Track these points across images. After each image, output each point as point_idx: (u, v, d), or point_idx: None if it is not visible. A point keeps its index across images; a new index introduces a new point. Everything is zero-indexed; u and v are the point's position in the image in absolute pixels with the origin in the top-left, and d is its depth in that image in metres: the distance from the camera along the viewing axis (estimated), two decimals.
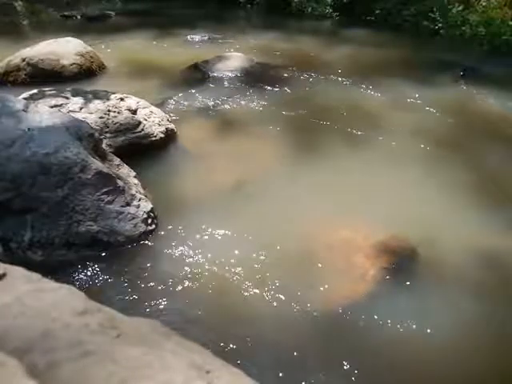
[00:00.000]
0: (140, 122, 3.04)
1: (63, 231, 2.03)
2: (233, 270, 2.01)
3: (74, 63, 4.41)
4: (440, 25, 6.78)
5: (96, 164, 2.20)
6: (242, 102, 3.96)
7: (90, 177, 2.13)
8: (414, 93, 4.34)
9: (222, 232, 2.25)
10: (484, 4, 6.52)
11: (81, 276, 1.95)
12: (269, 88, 4.29)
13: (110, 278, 1.95)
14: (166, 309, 1.80)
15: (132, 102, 3.20)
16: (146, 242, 2.16)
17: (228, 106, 3.89)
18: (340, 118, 3.72)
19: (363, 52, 5.87)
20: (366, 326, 1.77)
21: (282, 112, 3.80)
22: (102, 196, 2.14)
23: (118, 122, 2.93)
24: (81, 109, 2.91)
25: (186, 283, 1.94)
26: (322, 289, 1.93)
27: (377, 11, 7.62)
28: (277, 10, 8.63)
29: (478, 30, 6.33)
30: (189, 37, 6.37)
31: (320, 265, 2.06)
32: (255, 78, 4.53)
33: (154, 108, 3.32)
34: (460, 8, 6.66)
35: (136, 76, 4.55)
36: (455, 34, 6.60)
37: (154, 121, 3.14)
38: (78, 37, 4.94)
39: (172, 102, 3.89)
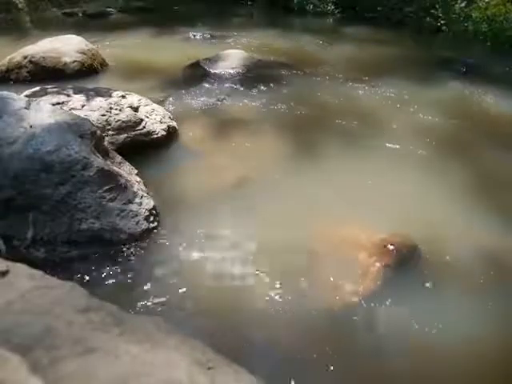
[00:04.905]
0: (142, 120, 3.04)
1: (65, 229, 2.04)
2: (234, 267, 2.01)
3: (76, 61, 4.40)
4: (442, 21, 6.75)
5: (98, 162, 2.20)
6: (244, 100, 3.95)
7: (91, 174, 2.13)
8: (416, 91, 4.32)
9: (223, 230, 2.25)
10: (487, 0, 6.48)
11: (83, 273, 1.95)
12: (270, 86, 4.28)
13: (112, 276, 1.95)
14: (168, 306, 1.80)
15: (134, 99, 3.20)
16: (148, 239, 2.16)
17: (229, 104, 3.88)
18: (341, 117, 3.71)
19: (365, 50, 5.84)
20: (369, 323, 1.77)
21: (283, 110, 3.80)
22: (104, 193, 2.14)
23: (119, 120, 2.93)
24: (83, 106, 2.91)
25: (189, 281, 1.94)
26: (324, 287, 1.93)
27: (379, 8, 7.59)
28: (278, 8, 8.61)
29: (481, 26, 6.30)
30: (190, 34, 6.36)
31: (322, 263, 2.06)
32: (256, 75, 4.52)
33: (155, 105, 3.32)
34: (463, 4, 6.63)
35: (137, 73, 4.55)
36: (458, 31, 6.57)
37: (155, 118, 3.14)
38: (80, 34, 4.94)
39: (173, 99, 3.88)
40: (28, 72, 4.22)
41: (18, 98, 2.38)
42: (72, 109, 2.82)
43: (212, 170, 2.81)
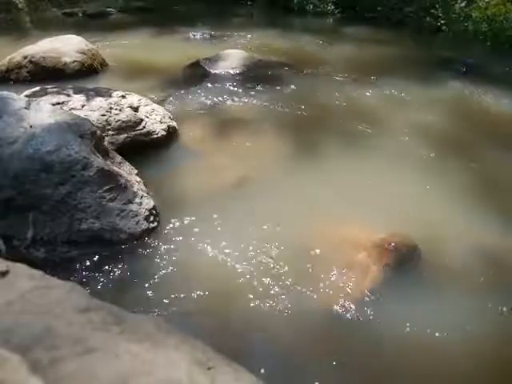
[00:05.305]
0: (142, 120, 3.04)
1: (65, 229, 2.04)
2: (234, 267, 2.02)
3: (76, 60, 4.41)
4: (442, 21, 6.75)
5: (98, 161, 2.20)
6: (244, 100, 3.95)
7: (91, 174, 2.13)
8: (416, 91, 4.32)
9: (223, 230, 2.25)
10: (487, 0, 6.47)
11: (83, 273, 1.96)
12: (270, 86, 4.28)
13: (112, 275, 1.95)
14: (168, 306, 1.80)
15: (134, 99, 3.20)
16: (148, 239, 2.16)
17: (229, 104, 3.88)
18: (341, 117, 3.71)
19: (365, 50, 5.84)
20: (368, 323, 1.77)
21: (283, 110, 3.79)
22: (104, 193, 2.15)
23: (119, 120, 2.93)
24: (83, 106, 2.91)
25: (188, 280, 1.94)
26: (324, 286, 1.93)
27: (379, 8, 7.59)
28: (278, 8, 8.60)
29: (481, 26, 6.30)
30: (190, 34, 6.37)
31: (322, 262, 2.06)
32: (256, 75, 4.52)
33: (155, 105, 3.32)
34: (463, 4, 6.62)
35: (137, 73, 4.55)
36: (458, 31, 6.56)
37: (155, 118, 3.14)
38: (80, 34, 4.94)
39: (173, 99, 3.89)
40: (28, 72, 4.22)
41: (18, 98, 2.38)
42: (72, 109, 2.82)
43: (212, 169, 2.81)
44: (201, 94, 4.06)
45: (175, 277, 1.96)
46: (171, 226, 2.27)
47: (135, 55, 5.16)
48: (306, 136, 3.37)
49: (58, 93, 3.03)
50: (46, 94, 3.01)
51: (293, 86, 4.32)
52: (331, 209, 2.44)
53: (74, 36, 4.77)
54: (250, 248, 2.12)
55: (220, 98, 3.96)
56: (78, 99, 2.97)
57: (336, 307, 1.83)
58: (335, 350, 1.66)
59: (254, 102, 3.93)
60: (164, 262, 2.04)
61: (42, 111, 2.28)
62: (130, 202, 2.21)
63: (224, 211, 2.39)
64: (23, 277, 0.87)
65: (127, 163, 2.57)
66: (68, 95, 3.00)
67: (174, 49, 5.63)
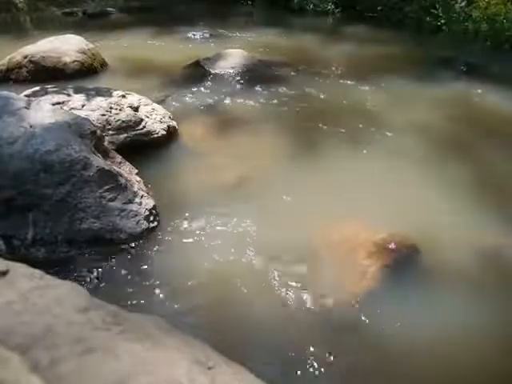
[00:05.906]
0: (142, 120, 3.04)
1: (66, 228, 2.04)
2: (234, 267, 2.02)
3: (76, 60, 4.40)
4: (442, 21, 6.74)
5: (98, 161, 2.20)
6: (244, 100, 3.95)
7: (92, 174, 2.13)
8: (416, 90, 4.32)
9: (223, 229, 2.25)
10: (487, 0, 6.46)
11: (83, 273, 1.96)
12: (270, 85, 4.27)
13: (112, 275, 1.95)
14: (168, 305, 1.80)
15: (134, 99, 3.20)
16: (148, 239, 2.16)
17: (230, 104, 3.88)
18: (341, 116, 3.71)
19: (365, 49, 5.84)
20: (367, 323, 1.77)
21: (283, 110, 3.79)
22: (104, 193, 2.15)
23: (119, 120, 2.93)
24: (83, 106, 2.91)
25: (188, 280, 1.94)
26: (323, 286, 1.93)
27: (379, 8, 7.58)
28: (278, 7, 8.60)
29: (481, 26, 6.29)
30: (190, 34, 6.36)
31: (321, 262, 2.06)
32: (257, 75, 4.52)
33: (155, 105, 3.32)
34: (463, 4, 6.61)
35: (137, 73, 4.55)
36: (458, 30, 6.55)
37: (155, 118, 3.14)
38: (80, 34, 4.94)
39: (174, 99, 3.88)
40: (28, 72, 4.22)
41: (18, 97, 2.38)
42: (72, 108, 2.82)
43: (212, 169, 2.81)
44: (201, 93, 4.06)
45: (175, 276, 1.96)
46: (171, 225, 2.27)
47: (135, 55, 5.16)
48: (305, 135, 3.37)
49: (58, 92, 3.03)
50: (46, 93, 3.01)
51: (293, 86, 4.32)
52: (331, 208, 2.44)
53: (73, 36, 4.77)
54: (250, 248, 2.12)
55: (220, 98, 3.96)
56: (78, 99, 2.97)
57: (335, 307, 1.83)
58: (334, 350, 1.66)
59: (254, 101, 3.93)
60: (164, 262, 2.04)
61: (42, 111, 2.28)
62: (130, 201, 2.22)
63: (224, 211, 2.39)
64: (23, 277, 0.87)
65: (127, 163, 2.57)
66: (68, 95, 3.00)
67: (173, 48, 5.63)
